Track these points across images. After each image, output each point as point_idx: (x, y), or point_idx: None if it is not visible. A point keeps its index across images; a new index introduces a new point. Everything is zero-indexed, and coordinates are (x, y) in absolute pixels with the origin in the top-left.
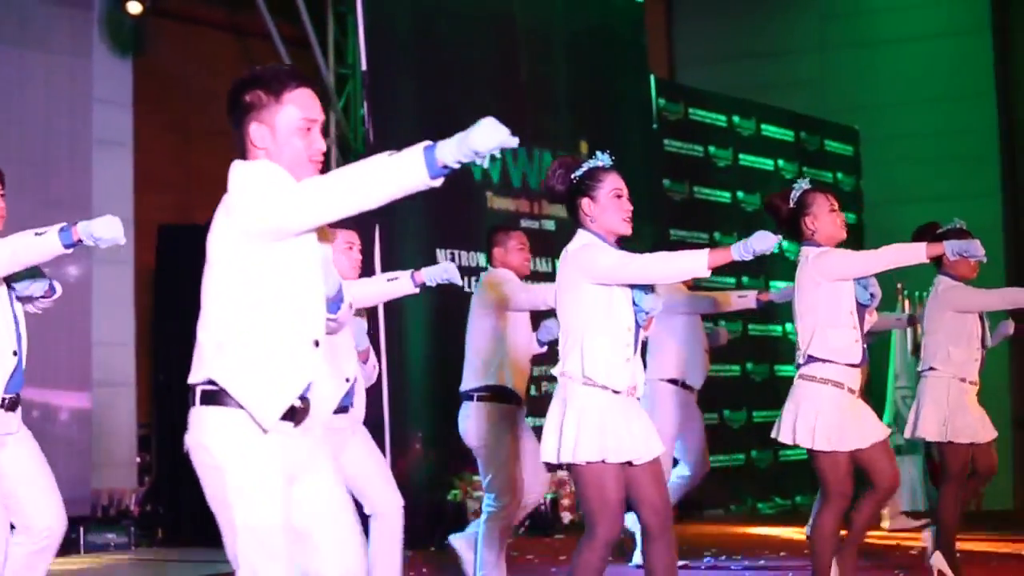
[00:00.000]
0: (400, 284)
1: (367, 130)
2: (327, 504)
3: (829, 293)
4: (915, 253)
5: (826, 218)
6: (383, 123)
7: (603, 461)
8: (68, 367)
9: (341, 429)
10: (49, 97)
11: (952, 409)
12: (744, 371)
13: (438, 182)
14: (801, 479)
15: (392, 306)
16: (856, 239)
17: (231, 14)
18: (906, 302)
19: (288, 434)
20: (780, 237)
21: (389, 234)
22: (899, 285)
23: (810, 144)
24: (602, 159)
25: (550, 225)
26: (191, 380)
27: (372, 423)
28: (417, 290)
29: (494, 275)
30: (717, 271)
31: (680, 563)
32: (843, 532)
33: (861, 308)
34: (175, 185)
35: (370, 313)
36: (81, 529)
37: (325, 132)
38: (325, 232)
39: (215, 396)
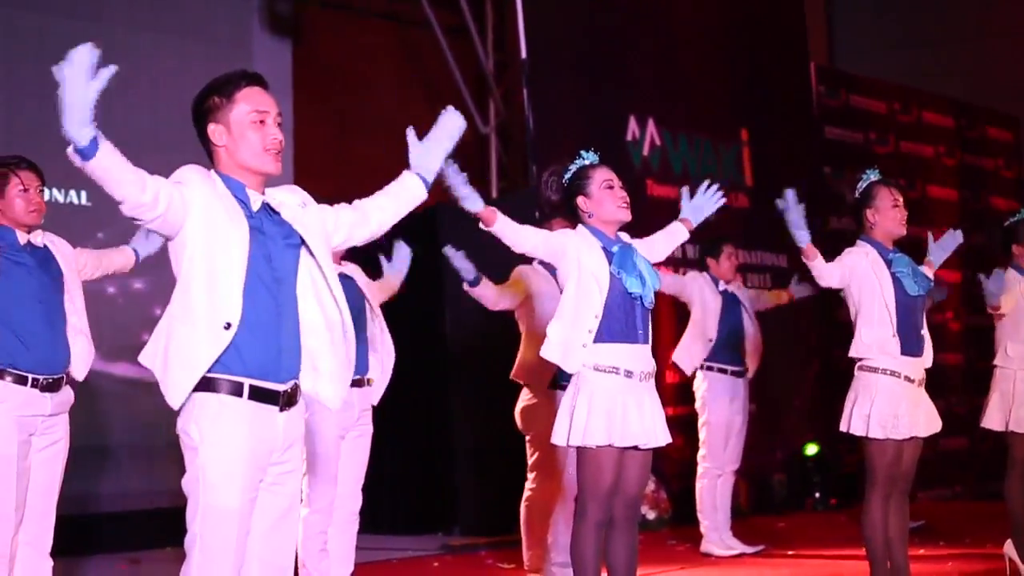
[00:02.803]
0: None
1: (527, 118)
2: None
3: (859, 292)
4: None
5: (888, 212)
6: (543, 111)
7: (610, 445)
8: None
9: (349, 403)
10: None
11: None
12: (967, 360)
13: None
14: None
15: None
16: None
17: (390, 2)
18: None
19: (269, 418)
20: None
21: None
22: None
23: (971, 131)
24: (588, 157)
25: None
26: None
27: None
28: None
29: None
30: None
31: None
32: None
33: (912, 300)
34: (333, 173)
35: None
36: None
37: (485, 120)
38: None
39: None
